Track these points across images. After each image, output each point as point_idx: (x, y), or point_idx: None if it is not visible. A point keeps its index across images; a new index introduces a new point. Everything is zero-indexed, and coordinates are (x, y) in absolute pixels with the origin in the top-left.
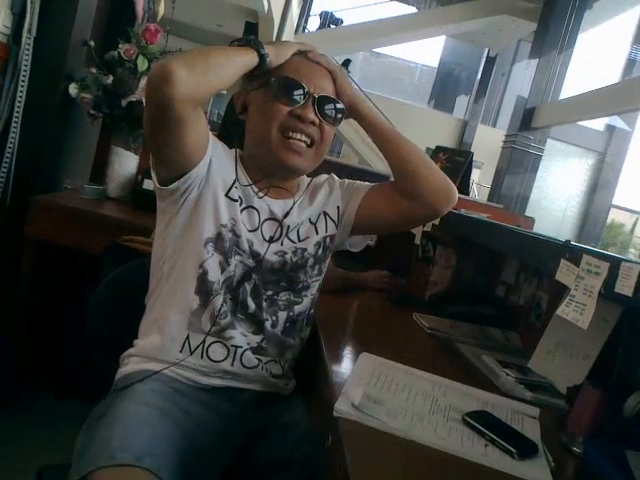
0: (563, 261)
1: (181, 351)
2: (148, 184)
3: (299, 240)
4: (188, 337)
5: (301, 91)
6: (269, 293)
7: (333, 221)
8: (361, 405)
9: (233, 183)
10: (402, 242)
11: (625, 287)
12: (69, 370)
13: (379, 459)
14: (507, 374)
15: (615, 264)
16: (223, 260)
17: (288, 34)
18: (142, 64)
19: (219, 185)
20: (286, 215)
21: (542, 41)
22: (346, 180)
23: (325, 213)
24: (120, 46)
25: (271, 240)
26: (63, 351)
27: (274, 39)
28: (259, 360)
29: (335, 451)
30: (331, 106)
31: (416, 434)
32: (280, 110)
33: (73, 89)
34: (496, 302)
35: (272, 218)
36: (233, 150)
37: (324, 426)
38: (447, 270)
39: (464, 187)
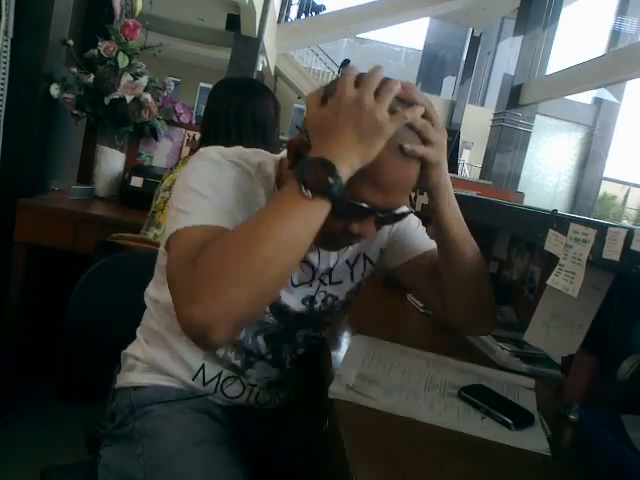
0: (551, 231)
1: (194, 379)
2: (136, 181)
3: (330, 282)
4: (203, 366)
5: (370, 214)
6: (288, 334)
7: (372, 264)
8: (355, 385)
9: None
10: None
11: (612, 252)
12: (69, 371)
13: (376, 438)
14: (502, 348)
15: (602, 230)
16: None
17: (270, 24)
18: (123, 61)
19: None
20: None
21: (526, 17)
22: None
23: (365, 256)
24: (99, 44)
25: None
26: (63, 352)
27: (256, 30)
28: (275, 394)
29: (332, 433)
30: (396, 218)
31: (412, 411)
32: (334, 223)
33: (54, 90)
34: (490, 278)
35: (305, 261)
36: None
37: (322, 410)
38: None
39: (452, 166)
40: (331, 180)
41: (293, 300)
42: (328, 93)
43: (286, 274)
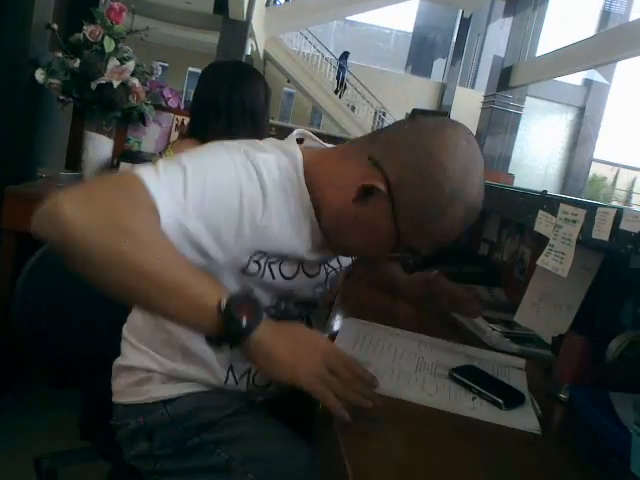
0: (541, 212)
1: (226, 382)
2: (124, 167)
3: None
4: (232, 367)
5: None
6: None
7: None
8: None
9: None
10: None
11: (602, 232)
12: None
13: (367, 420)
14: (493, 329)
15: (591, 210)
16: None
17: (259, 7)
18: (109, 45)
19: None
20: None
21: None
22: None
23: None
24: (85, 28)
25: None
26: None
27: (245, 14)
28: None
29: (325, 418)
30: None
31: (404, 393)
32: (384, 253)
33: (40, 75)
34: (480, 260)
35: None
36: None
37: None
38: None
39: None
40: (245, 322)
41: (310, 291)
42: None
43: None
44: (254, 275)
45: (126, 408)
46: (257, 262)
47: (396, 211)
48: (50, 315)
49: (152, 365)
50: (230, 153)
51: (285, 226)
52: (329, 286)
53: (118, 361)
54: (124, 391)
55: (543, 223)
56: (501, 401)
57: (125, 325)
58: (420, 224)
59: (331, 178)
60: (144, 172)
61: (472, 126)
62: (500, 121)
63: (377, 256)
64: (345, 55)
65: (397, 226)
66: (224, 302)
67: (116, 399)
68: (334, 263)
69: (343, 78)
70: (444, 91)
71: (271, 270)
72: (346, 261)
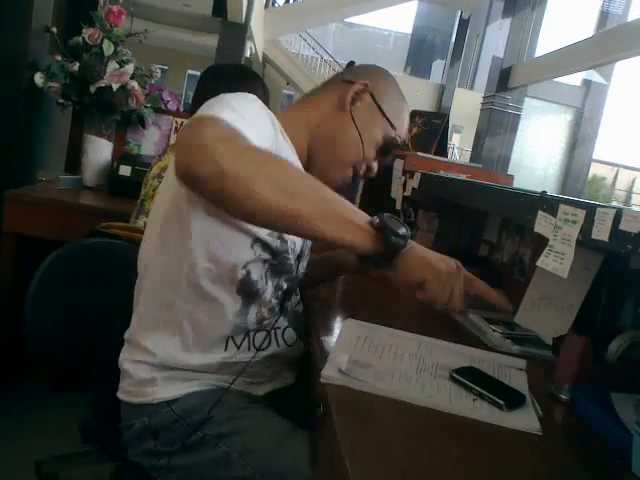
0: (540, 212)
1: (226, 349)
2: (124, 170)
3: None
4: (231, 337)
5: (391, 153)
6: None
7: None
8: (348, 370)
9: None
10: (383, 209)
11: (601, 233)
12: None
13: (369, 422)
14: (494, 330)
15: (591, 211)
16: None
17: (258, 9)
18: (108, 48)
19: None
20: None
21: None
22: None
23: None
24: (84, 31)
25: None
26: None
27: (243, 16)
28: (294, 333)
29: (326, 418)
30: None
31: (404, 394)
32: (372, 155)
33: (39, 78)
34: (480, 261)
35: None
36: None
37: (315, 396)
38: (430, 233)
39: (442, 149)
40: (403, 231)
41: (292, 263)
42: None
43: (283, 227)
44: None
45: (132, 408)
46: None
47: (379, 100)
48: (61, 318)
49: (153, 361)
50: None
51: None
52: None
53: (122, 363)
54: (130, 391)
55: (542, 224)
56: (502, 402)
57: (127, 330)
58: (396, 108)
59: (311, 112)
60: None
61: (471, 127)
62: (499, 122)
63: (366, 157)
64: (351, 64)
65: (383, 112)
66: (375, 219)
67: (123, 397)
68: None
69: None
70: (443, 92)
71: None
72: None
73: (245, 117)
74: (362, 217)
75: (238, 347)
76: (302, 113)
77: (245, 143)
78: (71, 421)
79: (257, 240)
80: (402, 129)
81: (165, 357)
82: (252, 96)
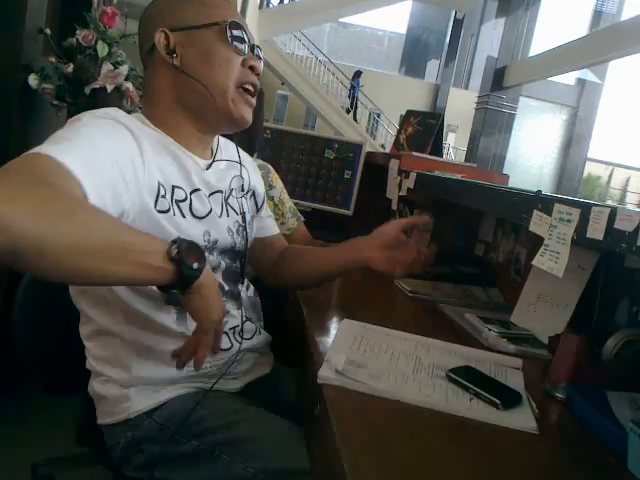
0: (536, 212)
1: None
2: None
3: (239, 213)
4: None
5: (246, 39)
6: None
7: (256, 205)
8: (344, 370)
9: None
10: (380, 209)
11: (596, 231)
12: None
13: (366, 422)
14: (490, 329)
15: (586, 210)
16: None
17: (252, 10)
18: (102, 49)
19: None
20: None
21: None
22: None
23: (254, 192)
24: (78, 32)
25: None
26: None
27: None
28: (252, 325)
29: (323, 418)
30: (260, 58)
31: (401, 394)
32: (236, 60)
33: (33, 80)
34: (476, 261)
35: (217, 191)
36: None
37: (312, 396)
38: (425, 233)
39: (437, 149)
40: (197, 265)
41: (227, 236)
42: None
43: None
44: (166, 212)
45: (114, 427)
46: (164, 197)
47: (181, 26)
48: (48, 320)
49: (121, 381)
50: (89, 119)
51: (156, 156)
52: (249, 231)
53: (91, 387)
54: (107, 412)
55: (538, 223)
56: (498, 401)
57: (87, 356)
58: (194, 10)
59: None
60: (47, 149)
61: (467, 126)
62: (494, 121)
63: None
64: (357, 74)
65: (194, 27)
66: (174, 250)
67: (102, 421)
68: (233, 202)
69: (355, 97)
70: (438, 92)
71: (180, 208)
72: (245, 205)
73: (78, 142)
74: (159, 251)
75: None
76: (154, 102)
77: (45, 194)
78: (67, 424)
79: (156, 208)
80: (225, 9)
81: (129, 379)
82: (100, 113)
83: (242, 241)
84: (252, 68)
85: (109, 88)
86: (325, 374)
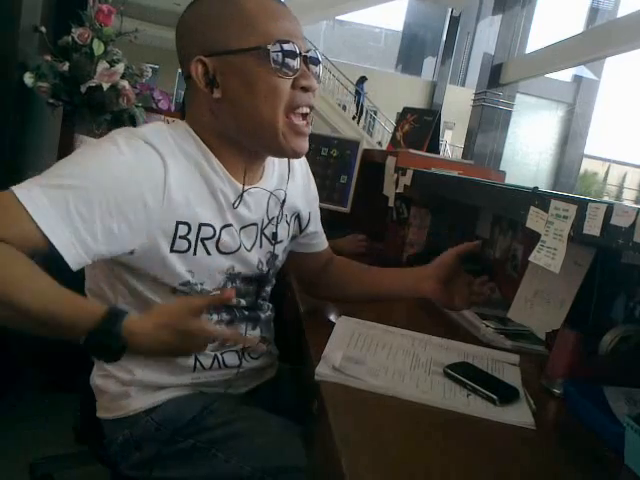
0: (532, 208)
1: (194, 371)
2: None
3: (274, 242)
4: (197, 358)
5: (297, 50)
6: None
7: (300, 226)
8: (342, 367)
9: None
10: (377, 206)
11: (593, 227)
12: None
13: (363, 418)
14: (487, 325)
15: (582, 206)
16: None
17: None
18: (98, 48)
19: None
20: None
21: None
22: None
23: (298, 215)
24: (73, 30)
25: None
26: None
27: None
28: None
29: (321, 415)
30: (318, 61)
31: (398, 390)
32: (285, 85)
33: (28, 78)
34: (473, 257)
35: (251, 224)
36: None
37: (310, 394)
38: (422, 230)
39: (434, 146)
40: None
41: (253, 266)
42: None
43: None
44: (184, 252)
45: (112, 423)
46: (184, 238)
47: (219, 51)
48: None
49: (123, 378)
50: (113, 149)
51: (185, 189)
52: (280, 260)
53: (93, 380)
54: (107, 407)
55: (534, 219)
56: (495, 397)
57: None
58: (242, 24)
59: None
60: (22, 195)
61: (463, 124)
62: (491, 118)
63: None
64: (362, 80)
65: (235, 52)
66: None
67: (101, 415)
68: (270, 229)
69: (361, 104)
70: (435, 89)
71: (205, 246)
72: (283, 232)
73: (71, 183)
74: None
75: (206, 368)
76: (197, 122)
77: None
78: (65, 422)
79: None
80: (270, 25)
81: (131, 380)
82: (138, 134)
83: (272, 271)
84: (304, 88)
85: (105, 86)
86: (322, 371)
